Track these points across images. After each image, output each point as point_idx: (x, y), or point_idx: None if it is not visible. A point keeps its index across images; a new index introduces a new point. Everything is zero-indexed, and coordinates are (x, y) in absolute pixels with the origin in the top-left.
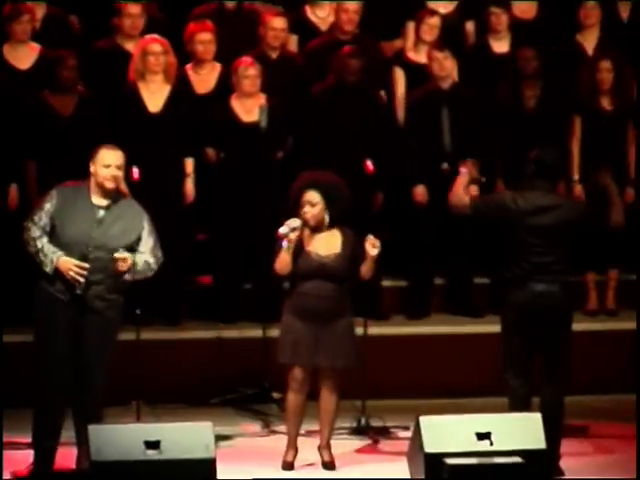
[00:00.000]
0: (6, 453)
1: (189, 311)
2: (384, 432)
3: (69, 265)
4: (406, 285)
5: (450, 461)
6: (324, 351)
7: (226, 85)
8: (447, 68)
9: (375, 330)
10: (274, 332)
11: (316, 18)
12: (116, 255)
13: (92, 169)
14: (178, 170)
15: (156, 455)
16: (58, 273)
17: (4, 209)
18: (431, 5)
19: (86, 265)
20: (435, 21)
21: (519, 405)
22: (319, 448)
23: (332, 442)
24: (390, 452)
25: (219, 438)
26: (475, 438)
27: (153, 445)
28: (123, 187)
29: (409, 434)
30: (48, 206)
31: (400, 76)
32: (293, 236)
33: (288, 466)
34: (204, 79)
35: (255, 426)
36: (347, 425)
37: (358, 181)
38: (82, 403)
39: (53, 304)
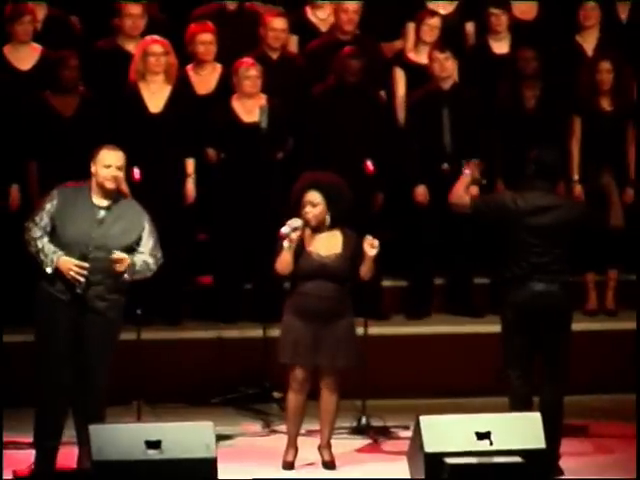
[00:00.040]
0: (7, 453)
1: (190, 311)
2: (384, 432)
3: (69, 265)
4: (406, 285)
5: (450, 461)
6: (325, 351)
7: (227, 86)
8: (448, 69)
9: (375, 330)
10: (275, 332)
11: (316, 19)
12: (113, 256)
13: (93, 169)
14: (179, 170)
15: (157, 455)
16: (58, 273)
17: (5, 209)
18: (431, 6)
19: (86, 265)
20: (435, 22)
21: (520, 405)
22: (319, 448)
23: (332, 442)
24: (390, 452)
25: (220, 438)
26: (475, 438)
27: (154, 445)
28: (124, 187)
29: (409, 434)
30: (49, 206)
31: (400, 77)
32: (295, 236)
33: (288, 466)
34: (205, 80)
35: (256, 426)
36: (347, 425)
37: (358, 181)
38: (83, 403)
39: (54, 304)
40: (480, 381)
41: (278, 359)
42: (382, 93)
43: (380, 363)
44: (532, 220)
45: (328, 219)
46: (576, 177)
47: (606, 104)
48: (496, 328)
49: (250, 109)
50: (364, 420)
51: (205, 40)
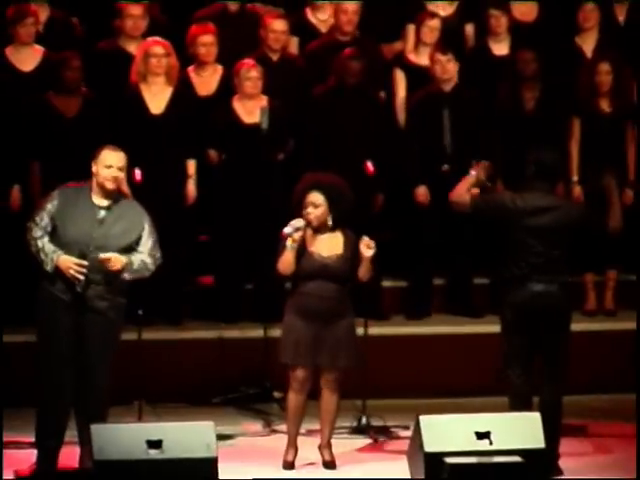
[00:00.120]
0: (9, 452)
1: (191, 311)
2: (384, 431)
3: (68, 263)
4: (406, 285)
5: (450, 460)
6: (325, 351)
7: (228, 87)
8: (450, 71)
9: (375, 330)
10: (275, 332)
11: (317, 20)
12: (100, 256)
13: (94, 169)
14: (180, 171)
15: (158, 454)
16: (58, 272)
17: (6, 210)
18: (431, 7)
19: (85, 263)
20: (435, 23)
21: (519, 404)
22: (320, 447)
23: (333, 441)
24: (390, 451)
25: (220, 437)
26: (475, 437)
27: (155, 444)
28: (125, 188)
29: (409, 433)
30: (49, 206)
31: (401, 78)
32: (297, 236)
33: (289, 465)
34: (206, 81)
35: (256, 425)
36: (348, 424)
37: (359, 182)
38: (85, 403)
39: (55, 304)
40: (480, 381)
41: (279, 359)
42: (382, 94)
43: (380, 363)
44: (531, 220)
45: (330, 220)
46: (575, 178)
47: (605, 105)
48: (496, 328)
49: (251, 110)
50: (364, 420)
51: (206, 42)
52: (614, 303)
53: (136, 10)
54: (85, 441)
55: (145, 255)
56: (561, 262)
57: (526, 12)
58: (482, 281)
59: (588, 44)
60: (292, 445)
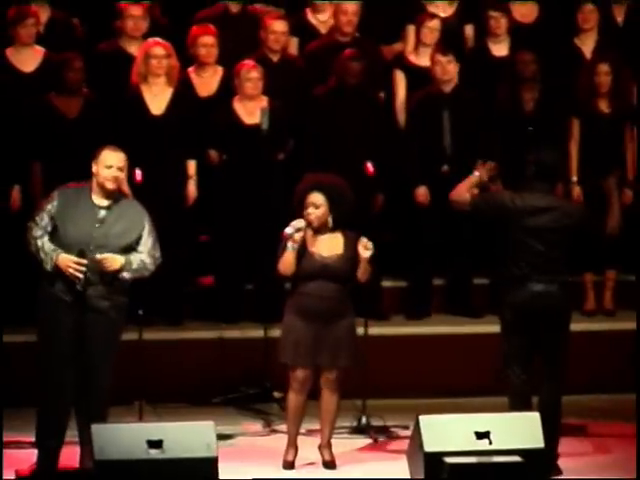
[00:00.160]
0: (10, 452)
1: (191, 311)
2: (384, 431)
3: (67, 262)
4: (406, 285)
5: (449, 460)
6: (325, 351)
7: (228, 88)
8: (450, 72)
9: (375, 330)
10: (276, 332)
11: (317, 21)
12: (97, 257)
13: (94, 169)
14: (180, 172)
15: (158, 454)
16: (58, 271)
17: (6, 210)
18: (431, 9)
19: (84, 261)
20: (435, 24)
21: (519, 404)
22: (320, 447)
23: (333, 441)
24: (390, 451)
25: (221, 437)
26: (474, 437)
27: (155, 444)
28: (125, 188)
29: (409, 433)
30: (49, 207)
31: (401, 79)
32: (297, 237)
33: (289, 465)
34: (206, 82)
35: (256, 425)
36: (347, 424)
37: (359, 183)
38: (86, 403)
39: (56, 304)
40: (479, 381)
41: (279, 359)
42: (382, 95)
43: (380, 363)
44: (530, 221)
45: (330, 220)
46: (575, 178)
47: (604, 106)
48: (495, 328)
49: (251, 111)
50: (364, 420)
51: (207, 43)
52: (613, 303)
53: (137, 11)
54: (86, 441)
55: (145, 255)
56: (560, 262)
57: (526, 13)
58: (482, 281)
59: (587, 45)
60: (292, 445)
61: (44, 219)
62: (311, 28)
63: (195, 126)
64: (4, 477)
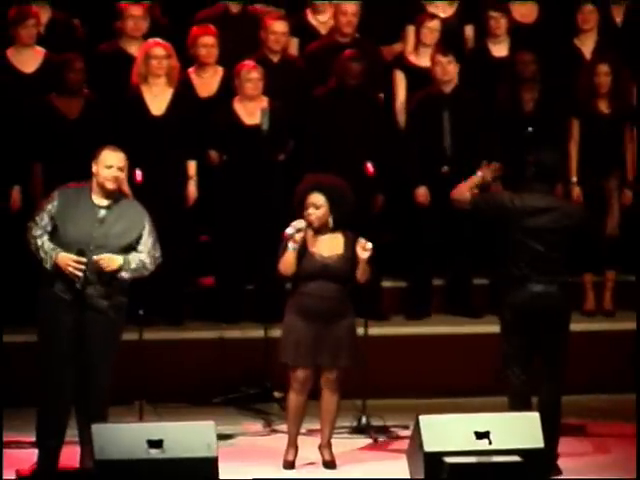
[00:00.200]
0: (10, 452)
1: (192, 311)
2: (384, 431)
3: (67, 260)
4: (406, 286)
5: (449, 460)
6: (326, 351)
7: (228, 89)
8: (450, 72)
9: (375, 330)
10: (276, 332)
11: (317, 22)
12: (94, 258)
13: (94, 169)
14: (181, 172)
15: (159, 454)
16: (58, 270)
17: (6, 210)
18: (431, 9)
19: (84, 259)
20: (435, 24)
21: (519, 404)
22: (320, 447)
23: (333, 441)
24: (390, 451)
25: (221, 437)
26: (474, 437)
27: (156, 444)
28: (126, 189)
29: (409, 433)
30: (49, 207)
31: (401, 79)
32: (298, 237)
33: (289, 465)
34: (207, 82)
35: (257, 425)
36: (348, 424)
37: (359, 183)
38: (86, 402)
39: (56, 304)
40: (479, 381)
41: (279, 359)
42: (382, 95)
43: (380, 363)
44: (530, 221)
45: (331, 221)
46: (574, 179)
47: (604, 107)
48: (495, 328)
49: (252, 111)
50: (364, 420)
51: (207, 43)
52: (613, 303)
53: (137, 11)
54: (86, 441)
55: (144, 254)
56: (560, 263)
57: (526, 14)
58: (481, 281)
59: (587, 46)
60: (292, 445)
61: (44, 219)
62: (311, 29)
63: (195, 126)
64: (5, 477)
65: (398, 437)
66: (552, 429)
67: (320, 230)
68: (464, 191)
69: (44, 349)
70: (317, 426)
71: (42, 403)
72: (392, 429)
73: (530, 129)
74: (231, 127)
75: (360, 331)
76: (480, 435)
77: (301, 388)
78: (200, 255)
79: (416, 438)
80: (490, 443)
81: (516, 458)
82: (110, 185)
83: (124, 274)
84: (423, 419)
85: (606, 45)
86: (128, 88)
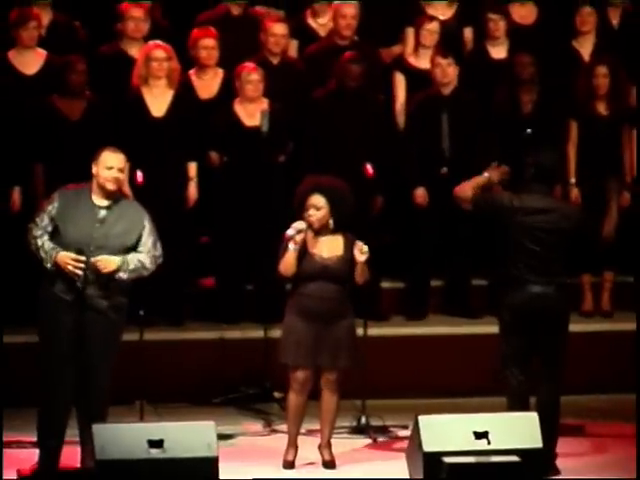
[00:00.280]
0: (11, 452)
1: (192, 312)
2: (383, 431)
3: (66, 259)
4: (405, 286)
5: (448, 460)
6: (326, 351)
7: (229, 91)
8: (450, 75)
9: (375, 331)
10: (276, 333)
11: (316, 24)
12: (91, 260)
13: (94, 170)
14: (181, 174)
15: (159, 454)
16: (59, 269)
17: (6, 212)
18: (430, 11)
19: (83, 258)
20: (434, 26)
21: (517, 404)
22: (319, 447)
23: (332, 441)
24: (389, 451)
25: (221, 437)
26: (473, 437)
27: (156, 444)
28: (126, 190)
29: (408, 433)
30: (50, 208)
31: (400, 81)
32: (299, 238)
33: (289, 465)
34: (207, 84)
35: (257, 425)
36: (347, 424)
37: (358, 185)
38: (86, 402)
39: (57, 304)
40: (478, 381)
41: (280, 360)
42: (381, 97)
43: (379, 363)
44: (528, 222)
45: (331, 222)
46: (573, 180)
47: (602, 108)
48: (493, 329)
49: (252, 113)
50: (364, 420)
51: (207, 45)
52: (610, 304)
53: (137, 12)
54: (86, 441)
55: (143, 254)
56: (558, 263)
57: (525, 15)
58: (480, 282)
59: (585, 48)
60: (292, 445)
61: (44, 220)
62: (310, 31)
63: (196, 128)
64: (6, 477)
65: (397, 437)
66: (551, 429)
67: (320, 231)
68: (467, 189)
69: (44, 349)
70: (317, 426)
71: (42, 403)
72: (391, 429)
73: (529, 131)
74: (231, 129)
75: (359, 332)
76: (479, 435)
77: (301, 388)
78: (200, 256)
79: (415, 438)
80: (489, 443)
81: (515, 458)
82: (110, 186)
83: (122, 275)
84: (422, 419)
85: (604, 47)
86: (129, 90)
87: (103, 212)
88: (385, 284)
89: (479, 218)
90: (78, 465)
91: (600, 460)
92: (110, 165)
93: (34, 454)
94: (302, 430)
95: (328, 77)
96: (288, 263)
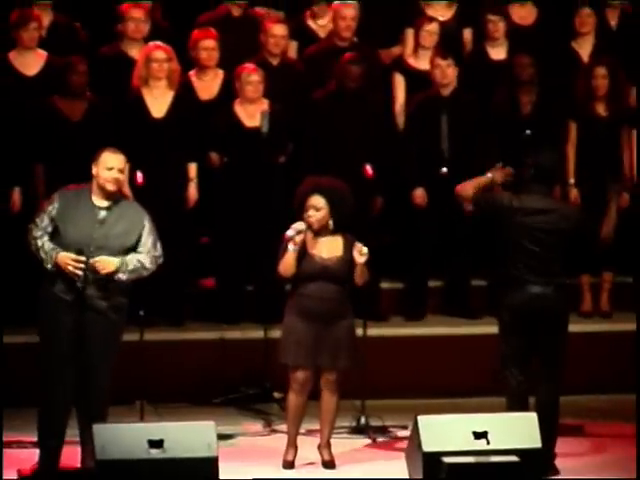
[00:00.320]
0: (12, 452)
1: (192, 312)
2: (383, 431)
3: (66, 260)
4: (404, 287)
5: (447, 460)
6: (326, 352)
7: (229, 91)
8: (449, 76)
9: (374, 331)
10: (276, 333)
11: (316, 26)
12: (90, 261)
13: (94, 171)
14: (181, 174)
15: (159, 454)
16: (59, 270)
17: (7, 212)
18: (429, 12)
19: (82, 258)
20: (434, 27)
21: (516, 405)
22: (319, 447)
23: (332, 441)
24: (389, 451)
25: (221, 437)
26: (472, 437)
27: (156, 444)
28: (127, 190)
29: (407, 433)
30: (50, 208)
31: (400, 82)
32: (298, 239)
33: (289, 465)
34: (207, 85)
35: (256, 425)
36: (347, 424)
37: (358, 185)
38: (86, 403)
39: (57, 305)
40: (477, 382)
41: (280, 360)
42: (381, 98)
43: (379, 364)
44: (527, 222)
45: (331, 223)
46: (572, 181)
47: (601, 109)
48: (492, 329)
49: (252, 114)
50: (363, 420)
51: (207, 46)
52: (609, 305)
53: (138, 13)
54: (87, 441)
55: (143, 255)
56: (558, 264)
57: (525, 16)
58: (479, 283)
59: (585, 49)
60: (292, 445)
61: (44, 220)
62: (310, 32)
63: (196, 129)
64: (6, 477)
65: (397, 437)
66: (550, 429)
67: (320, 232)
68: (468, 189)
69: (44, 349)
70: (316, 426)
71: (43, 403)
72: (391, 429)
73: (528, 131)
74: (231, 129)
75: (359, 332)
76: (478, 435)
77: (301, 389)
78: (200, 256)
79: (415, 438)
80: (488, 443)
81: (514, 458)
82: (110, 187)
83: (121, 276)
84: (422, 419)
85: (603, 48)
86: (129, 91)
87: (103, 213)
88: (384, 284)
89: (478, 218)
90: (78, 465)
91: (599, 460)
92: (110, 166)
93: (34, 454)
94: (302, 430)
95: (328, 78)
96: (288, 264)
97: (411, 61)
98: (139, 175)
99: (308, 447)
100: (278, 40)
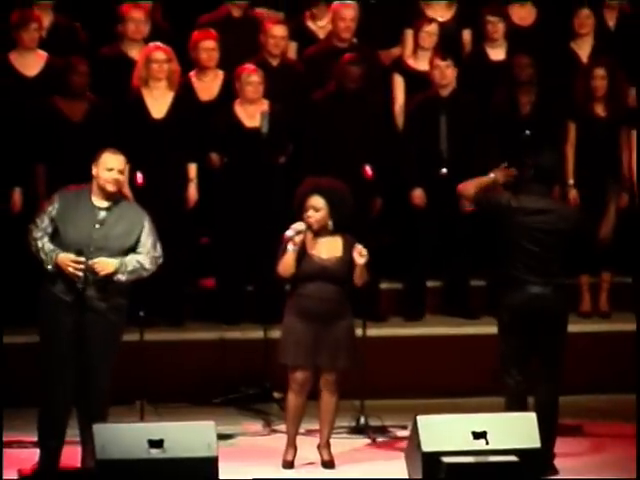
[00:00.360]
0: (12, 452)
1: (192, 313)
2: (382, 431)
3: (66, 261)
4: (403, 287)
5: (447, 460)
6: (325, 352)
7: (229, 92)
8: (448, 76)
9: (373, 331)
10: (275, 333)
11: (315, 26)
12: (89, 263)
13: (94, 172)
14: (181, 175)
15: (159, 454)
16: (59, 270)
17: (7, 212)
18: (429, 13)
19: (82, 259)
20: (433, 28)
21: (515, 405)
22: (319, 447)
23: (331, 441)
24: (388, 451)
25: (221, 437)
26: (471, 437)
27: (156, 444)
28: (127, 191)
29: (407, 433)
30: (50, 209)
31: (399, 83)
32: (298, 239)
33: (288, 465)
34: (207, 86)
35: (256, 425)
36: (346, 424)
37: (357, 186)
38: (86, 403)
39: (57, 305)
40: (476, 382)
41: (279, 360)
42: (380, 99)
43: (378, 364)
44: (527, 222)
45: (330, 224)
46: (571, 181)
47: (600, 110)
48: (492, 330)
49: (252, 114)
50: (363, 420)
51: (208, 47)
52: (608, 305)
53: (138, 14)
54: (87, 440)
55: (143, 255)
56: (557, 264)
57: (524, 16)
58: (479, 283)
59: (583, 49)
60: (291, 445)
61: (44, 221)
62: (310, 33)
63: (196, 129)
64: (6, 477)
65: (396, 437)
66: (549, 429)
67: (319, 232)
68: (470, 188)
69: (44, 350)
70: (316, 426)
71: (43, 403)
72: (390, 429)
73: (527, 132)
74: (231, 130)
75: (358, 332)
76: (477, 435)
77: (300, 389)
78: (200, 257)
79: (414, 438)
80: (487, 443)
81: (513, 458)
82: (110, 188)
83: (121, 277)
84: (421, 419)
85: (602, 49)
86: (129, 91)
87: (103, 213)
88: (384, 285)
89: (478, 218)
90: (78, 465)
91: (598, 460)
92: (110, 166)
93: (35, 454)
94: (301, 430)
95: (327, 79)
96: (287, 264)
97: (410, 62)
98: (139, 176)
99: (308, 447)
100: (278, 41)
